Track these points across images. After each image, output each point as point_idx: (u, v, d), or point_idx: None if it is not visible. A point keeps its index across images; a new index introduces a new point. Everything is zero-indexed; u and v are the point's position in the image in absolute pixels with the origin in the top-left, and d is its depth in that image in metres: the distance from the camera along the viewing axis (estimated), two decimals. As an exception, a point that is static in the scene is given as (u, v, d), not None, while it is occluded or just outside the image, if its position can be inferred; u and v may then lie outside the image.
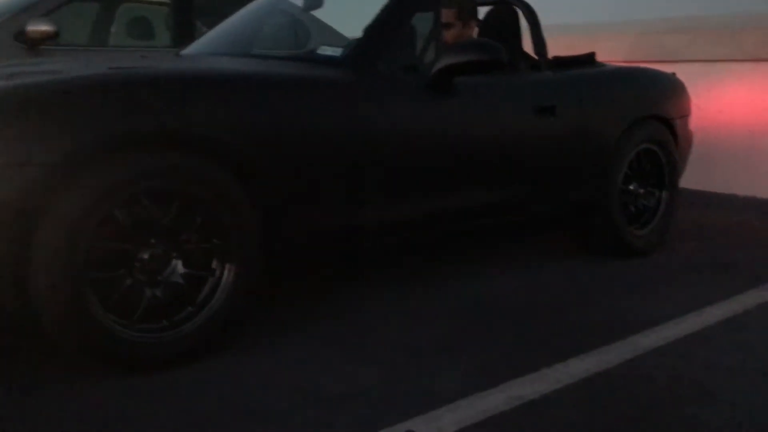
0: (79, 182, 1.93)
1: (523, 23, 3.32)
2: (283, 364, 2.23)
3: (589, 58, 3.56)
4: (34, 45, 4.03)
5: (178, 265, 2.16)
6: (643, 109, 3.45)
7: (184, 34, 4.77)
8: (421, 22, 3.17)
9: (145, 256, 2.09)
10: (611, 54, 4.33)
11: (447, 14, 3.27)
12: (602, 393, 2.08)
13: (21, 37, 4.02)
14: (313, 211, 2.39)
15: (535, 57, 3.33)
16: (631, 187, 3.52)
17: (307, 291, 2.99)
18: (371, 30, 2.68)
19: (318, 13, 3.78)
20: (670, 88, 3.72)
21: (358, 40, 2.67)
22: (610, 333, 2.51)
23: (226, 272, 2.22)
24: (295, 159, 2.31)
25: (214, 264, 2.21)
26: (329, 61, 2.60)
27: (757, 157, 4.85)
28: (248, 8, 3.49)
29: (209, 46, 3.21)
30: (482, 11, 3.52)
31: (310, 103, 2.35)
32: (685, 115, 3.78)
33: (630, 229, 3.49)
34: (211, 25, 3.63)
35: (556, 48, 3.41)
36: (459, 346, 2.40)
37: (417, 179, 2.65)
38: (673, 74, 3.84)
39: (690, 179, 4.29)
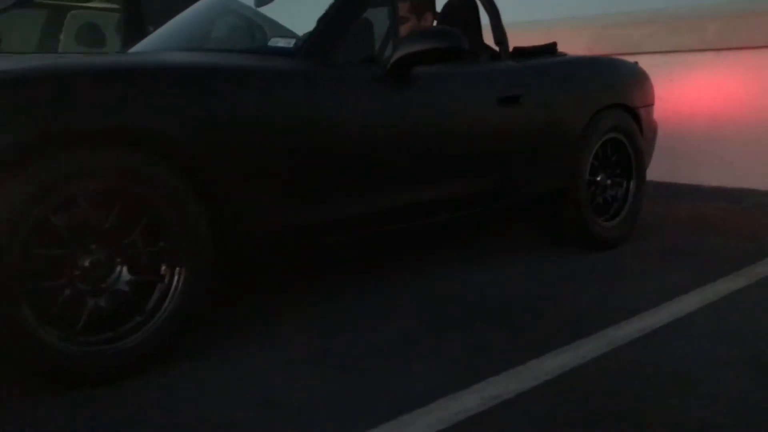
0: (8, 185, 1.77)
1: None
2: (241, 373, 2.08)
3: (550, 48, 3.49)
4: (-27, 53, 3.83)
5: (123, 272, 2.01)
6: (607, 98, 3.38)
7: (136, 40, 4.61)
8: (381, 17, 3.08)
9: (86, 263, 1.93)
10: (573, 48, 4.27)
11: (401, 8, 3.17)
12: (580, 388, 1.97)
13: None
14: (268, 208, 2.25)
15: (496, 48, 3.24)
16: (599, 178, 3.45)
17: (264, 293, 2.85)
18: (324, 21, 2.56)
19: (271, 13, 3.66)
20: (634, 77, 3.67)
21: (312, 31, 2.55)
22: (585, 326, 2.41)
23: (176, 277, 2.07)
24: (247, 153, 2.17)
25: (163, 269, 2.06)
26: (282, 52, 2.47)
27: (721, 147, 4.83)
28: (196, 7, 3.35)
29: (158, 43, 3.05)
30: (440, 3, 3.42)
31: (262, 94, 2.21)
32: (649, 104, 3.73)
33: (599, 220, 3.42)
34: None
35: (518, 45, 3.34)
36: (429, 346, 2.28)
37: (376, 173, 2.52)
38: (636, 63, 3.79)
39: (655, 171, 4.25)
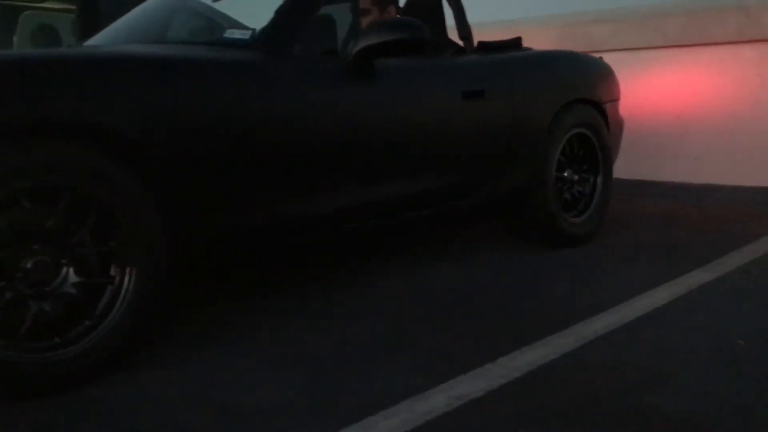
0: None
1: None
2: (198, 378, 1.98)
3: (515, 43, 3.44)
4: None
5: (70, 274, 1.90)
6: (573, 93, 3.35)
7: (92, 40, 4.48)
8: (344, 10, 3.01)
9: (28, 264, 1.82)
10: (538, 47, 4.24)
11: (363, 1, 3.10)
12: (550, 385, 1.91)
13: None
14: (223, 206, 2.15)
15: (461, 43, 3.19)
16: (566, 174, 3.40)
17: (221, 295, 2.75)
18: (282, 12, 2.47)
19: (228, 10, 3.56)
20: (599, 72, 3.64)
21: (269, 23, 2.46)
22: (554, 323, 2.36)
23: (127, 279, 1.96)
24: (200, 148, 2.07)
25: (113, 270, 1.96)
26: (237, 44, 2.38)
27: (685, 143, 4.86)
28: (152, 2, 3.24)
29: (111, 38, 2.94)
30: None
31: (214, 86, 2.12)
32: (615, 100, 3.71)
33: (567, 217, 3.37)
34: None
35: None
36: (394, 346, 2.20)
37: (336, 169, 2.43)
38: (600, 58, 3.77)
39: (621, 169, 4.24)
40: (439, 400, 1.82)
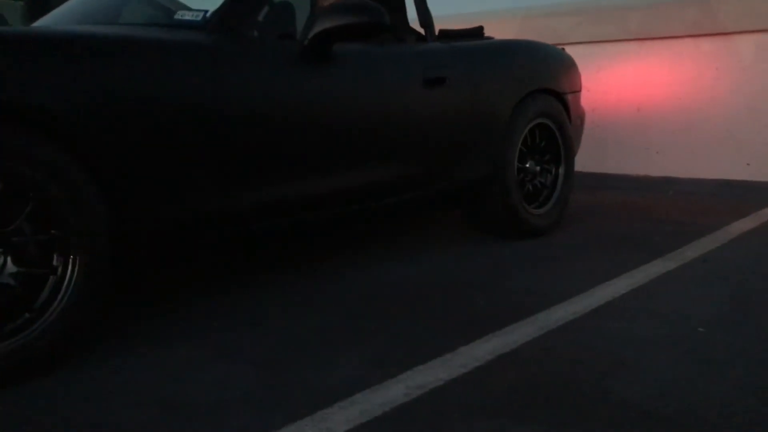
0: None
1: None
2: (144, 373, 1.89)
3: (477, 32, 3.40)
4: None
5: (8, 264, 1.79)
6: (535, 82, 3.32)
7: (42, 28, 4.34)
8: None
9: (-39, 253, 1.72)
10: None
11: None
12: (512, 374, 1.87)
13: None
14: (170, 194, 2.06)
15: (422, 31, 3.13)
16: (528, 165, 3.38)
17: (169, 286, 2.66)
18: (235, -7, 2.39)
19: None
20: (561, 62, 3.62)
21: (221, 4, 2.37)
22: (515, 312, 2.32)
23: (70, 269, 1.86)
24: (144, 131, 1.97)
25: (55, 260, 1.86)
26: (188, 25, 2.29)
27: (646, 136, 4.88)
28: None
29: (61, 19, 2.81)
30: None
31: (160, 68, 2.02)
32: (576, 91, 3.70)
33: (529, 208, 3.35)
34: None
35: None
36: (351, 337, 2.14)
37: (290, 157, 2.35)
38: (563, 49, 3.76)
39: (583, 161, 4.24)
40: (397, 390, 1.77)
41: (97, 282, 1.91)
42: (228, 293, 2.57)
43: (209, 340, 2.13)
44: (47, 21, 2.88)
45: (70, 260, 1.86)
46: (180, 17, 2.35)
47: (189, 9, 3.19)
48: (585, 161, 4.54)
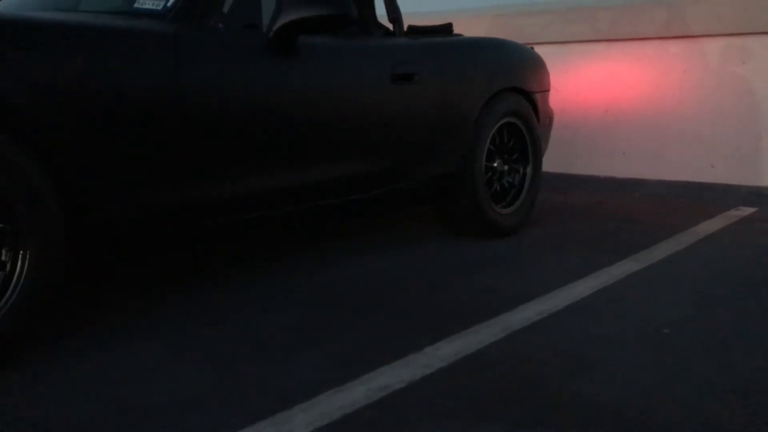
0: None
1: None
2: (98, 372, 1.83)
3: (446, 28, 3.37)
4: None
5: (-46, 258, 1.72)
6: (504, 81, 3.29)
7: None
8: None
9: None
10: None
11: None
12: (476, 375, 1.83)
13: None
14: (128, 186, 1.99)
15: (390, 26, 3.09)
16: (495, 164, 3.35)
17: (123, 284, 2.58)
18: (199, -18, 2.32)
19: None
20: (531, 62, 3.61)
21: (184, -7, 2.30)
22: (480, 312, 2.29)
23: (20, 264, 1.79)
24: (101, 122, 1.90)
25: (4, 255, 1.78)
26: (149, 13, 2.22)
27: (614, 137, 4.89)
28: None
29: (19, 6, 2.71)
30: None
31: (120, 56, 1.95)
32: (545, 90, 3.68)
33: (496, 207, 3.32)
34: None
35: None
36: (312, 338, 2.09)
37: (250, 151, 2.29)
38: (532, 48, 3.74)
39: (550, 162, 4.24)
40: (359, 392, 1.72)
41: (49, 277, 1.84)
42: (190, 289, 2.51)
43: (167, 339, 2.06)
44: (5, 6, 2.77)
45: (20, 256, 1.79)
46: (140, 5, 2.27)
47: None
48: (553, 162, 4.54)
